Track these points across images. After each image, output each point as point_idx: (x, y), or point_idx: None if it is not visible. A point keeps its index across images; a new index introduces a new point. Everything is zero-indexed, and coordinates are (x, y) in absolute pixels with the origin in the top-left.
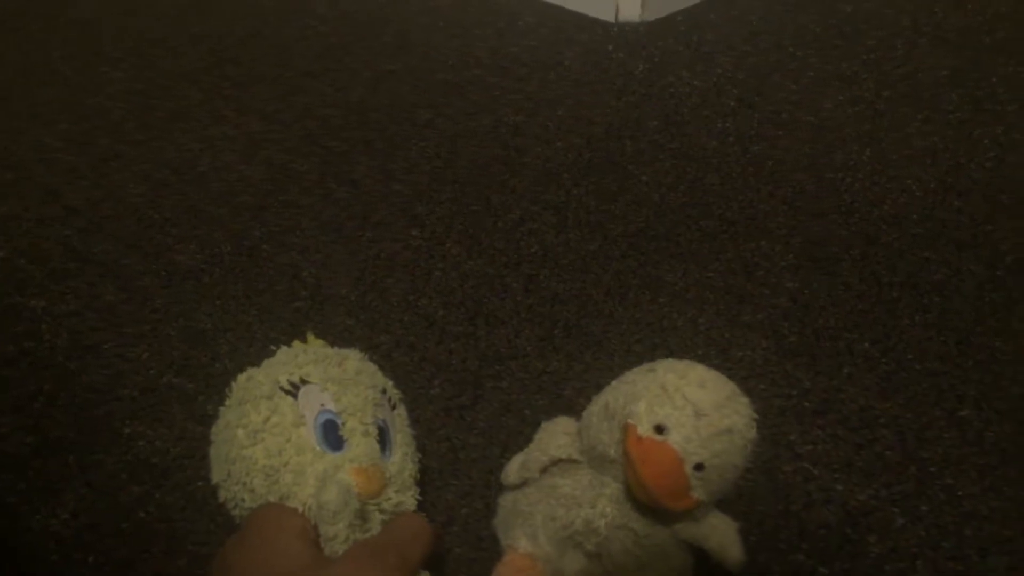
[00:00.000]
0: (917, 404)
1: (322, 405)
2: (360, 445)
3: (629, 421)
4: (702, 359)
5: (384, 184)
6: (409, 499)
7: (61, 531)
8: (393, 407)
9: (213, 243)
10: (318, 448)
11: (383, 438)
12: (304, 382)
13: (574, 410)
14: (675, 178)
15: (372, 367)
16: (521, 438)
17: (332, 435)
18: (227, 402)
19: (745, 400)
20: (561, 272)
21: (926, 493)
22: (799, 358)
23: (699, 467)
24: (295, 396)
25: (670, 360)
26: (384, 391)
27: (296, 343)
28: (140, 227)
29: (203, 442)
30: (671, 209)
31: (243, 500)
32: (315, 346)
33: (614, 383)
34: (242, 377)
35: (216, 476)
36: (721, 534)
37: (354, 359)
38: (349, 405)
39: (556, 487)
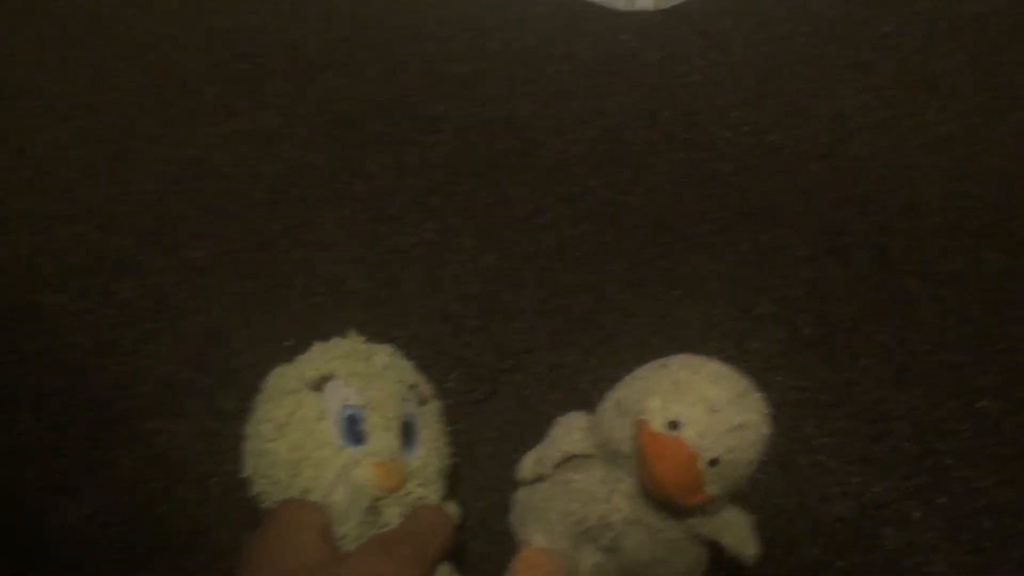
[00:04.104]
0: (933, 395)
1: (345, 400)
2: (381, 439)
3: (642, 417)
4: (717, 351)
5: (399, 177)
6: (431, 494)
7: (81, 527)
8: (423, 402)
9: (228, 239)
10: (339, 442)
11: (407, 433)
12: (330, 377)
13: (589, 404)
14: (689, 169)
15: (403, 362)
16: (536, 432)
17: (354, 429)
18: (259, 397)
19: (758, 395)
20: (575, 265)
21: (942, 485)
22: (815, 350)
23: (713, 462)
24: (320, 391)
25: (683, 355)
26: (414, 386)
27: (334, 339)
28: (156, 223)
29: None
30: (685, 200)
31: (269, 493)
32: (353, 341)
33: (627, 378)
34: (275, 372)
35: (247, 469)
36: (736, 529)
37: (383, 354)
38: (372, 399)
39: (570, 482)
